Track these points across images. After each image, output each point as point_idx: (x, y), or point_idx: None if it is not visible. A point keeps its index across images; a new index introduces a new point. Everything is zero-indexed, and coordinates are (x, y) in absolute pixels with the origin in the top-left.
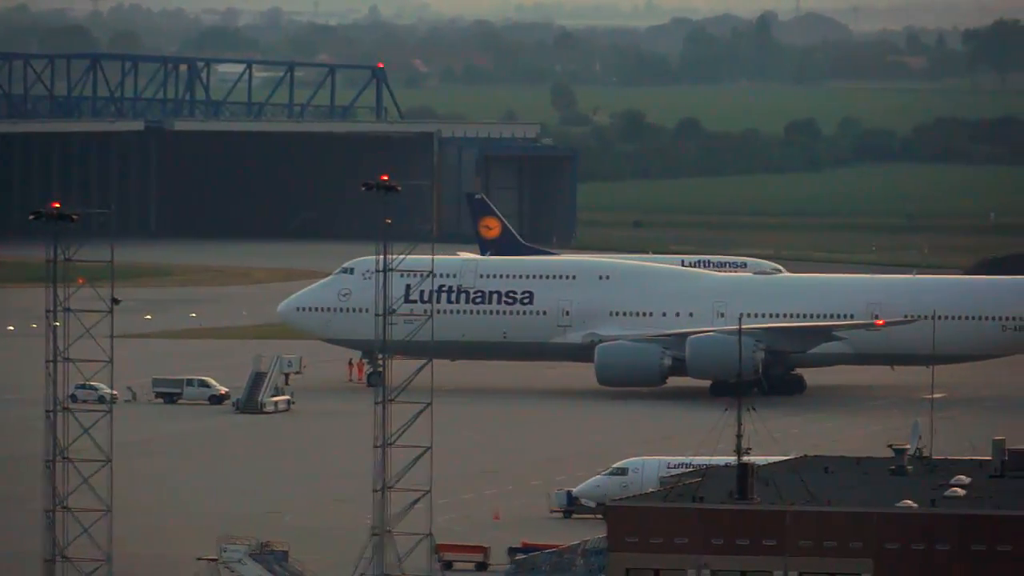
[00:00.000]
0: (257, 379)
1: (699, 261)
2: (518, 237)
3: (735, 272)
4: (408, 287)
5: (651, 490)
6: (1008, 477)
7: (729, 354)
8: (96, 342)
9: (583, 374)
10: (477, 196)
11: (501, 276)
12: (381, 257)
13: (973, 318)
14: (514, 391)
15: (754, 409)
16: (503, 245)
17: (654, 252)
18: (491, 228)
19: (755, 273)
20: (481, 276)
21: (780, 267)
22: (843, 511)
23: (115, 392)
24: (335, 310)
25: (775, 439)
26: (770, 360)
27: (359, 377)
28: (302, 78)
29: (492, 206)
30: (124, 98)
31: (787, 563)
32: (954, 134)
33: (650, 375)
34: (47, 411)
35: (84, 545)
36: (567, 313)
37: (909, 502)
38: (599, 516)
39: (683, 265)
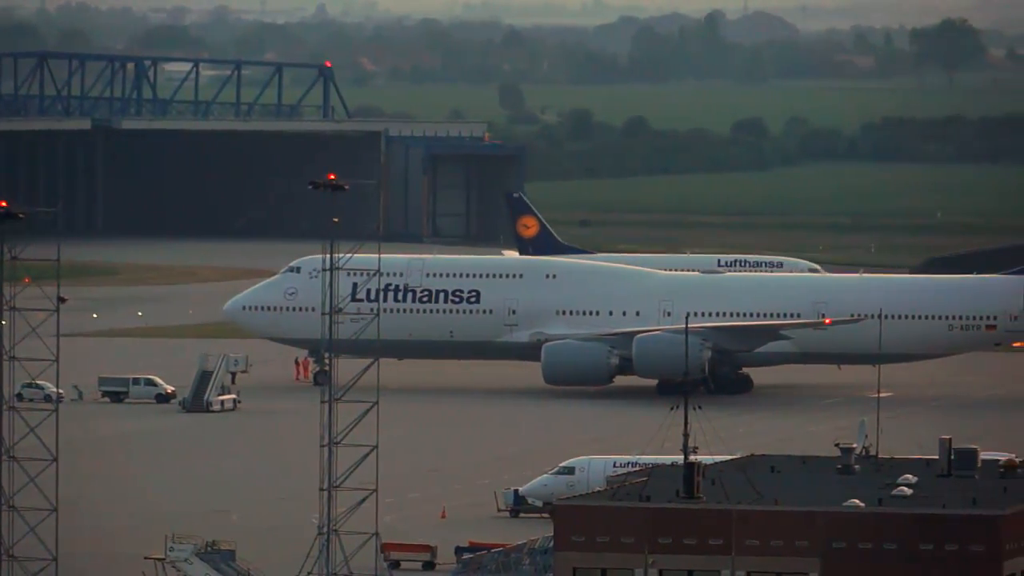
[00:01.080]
0: (203, 378)
1: (735, 260)
2: (555, 236)
3: (772, 272)
4: (355, 286)
5: (598, 489)
6: (955, 476)
7: (676, 353)
8: (42, 341)
9: (530, 373)
10: (515, 195)
11: (448, 275)
12: (328, 256)
13: (920, 317)
14: (461, 390)
15: (701, 408)
16: (541, 244)
17: (691, 252)
18: (529, 227)
19: (791, 272)
20: (428, 275)
21: (817, 267)
22: (790, 510)
23: (61, 391)
24: (282, 309)
25: (722, 438)
26: (717, 359)
27: (305, 376)
28: (249, 77)
29: (530, 205)
30: (71, 96)
31: (734, 562)
32: (901, 133)
33: (597, 374)
34: None
35: (31, 544)
36: (514, 312)
37: (856, 501)
38: (546, 515)
39: (719, 265)
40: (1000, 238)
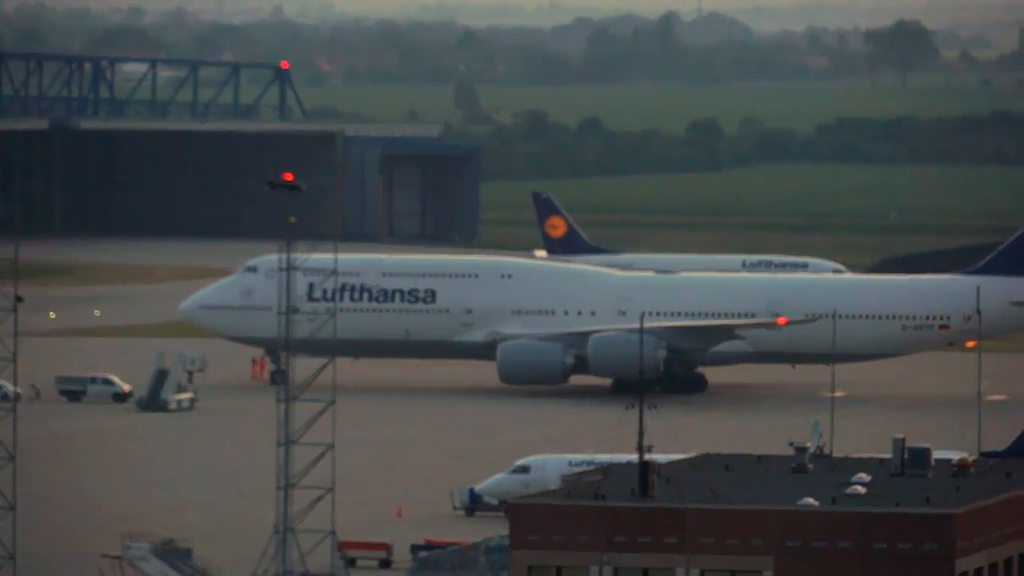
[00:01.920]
0: (160, 377)
1: (760, 262)
2: (582, 236)
3: (792, 273)
4: (311, 285)
5: (553, 488)
6: (908, 475)
7: (631, 353)
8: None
9: (486, 372)
10: (544, 195)
11: (404, 275)
12: (285, 256)
13: (874, 317)
14: (417, 389)
15: (656, 407)
16: (568, 243)
17: (714, 252)
18: (556, 227)
19: (810, 274)
20: (384, 275)
21: (841, 267)
22: (744, 509)
23: (19, 390)
24: (239, 308)
25: (676, 437)
26: (672, 359)
27: (262, 375)
28: (206, 77)
29: (558, 205)
30: (29, 96)
31: (689, 561)
32: (855, 134)
33: (552, 373)
34: None
35: None
36: (469, 311)
37: (810, 500)
38: (501, 514)
39: (743, 266)
40: (953, 238)
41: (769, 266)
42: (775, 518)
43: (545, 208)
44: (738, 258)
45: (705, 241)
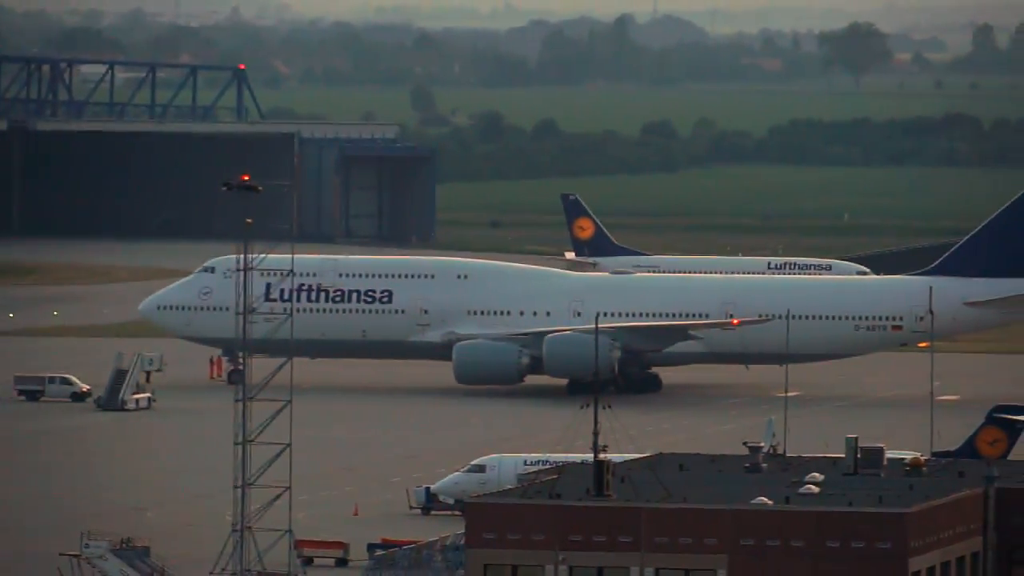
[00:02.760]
0: (118, 376)
1: (786, 264)
2: (610, 237)
3: (810, 274)
4: (268, 286)
5: (509, 487)
6: (861, 474)
7: (586, 353)
8: None
9: (442, 372)
10: (571, 197)
11: (360, 275)
12: (242, 256)
13: (827, 318)
14: (373, 389)
15: (610, 407)
16: (596, 245)
17: (741, 254)
18: (584, 228)
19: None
20: (341, 275)
21: (867, 269)
22: (698, 508)
23: None
24: (196, 308)
25: (631, 437)
26: (626, 359)
27: (220, 375)
28: (164, 79)
29: (586, 207)
30: None
31: (643, 559)
32: (809, 136)
33: (508, 373)
34: None
35: None
36: (426, 312)
37: (764, 499)
38: (457, 513)
39: (769, 268)
40: (906, 239)
41: (794, 268)
42: (729, 517)
43: (573, 210)
44: (764, 260)
45: (660, 242)
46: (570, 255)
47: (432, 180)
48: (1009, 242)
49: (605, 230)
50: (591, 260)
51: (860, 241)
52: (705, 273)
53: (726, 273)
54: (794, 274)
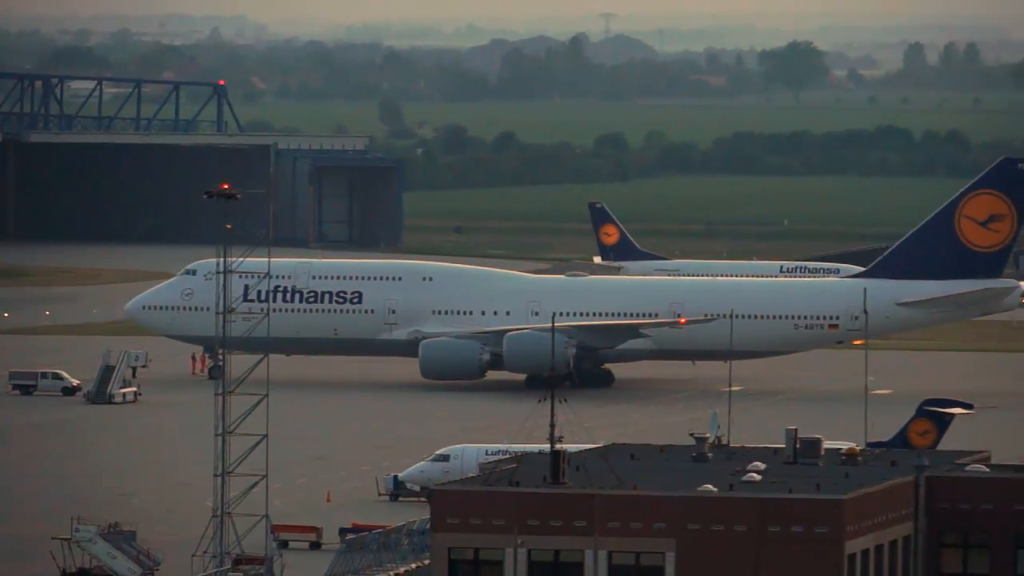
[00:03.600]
0: (106, 372)
1: (796, 267)
2: (634, 243)
3: (818, 276)
4: (246, 287)
5: (471, 475)
6: (800, 463)
7: (543, 350)
8: None
9: (408, 368)
10: (598, 205)
11: (332, 277)
12: (222, 260)
13: (768, 317)
14: (344, 384)
15: (566, 401)
16: (621, 250)
17: (757, 258)
18: (610, 235)
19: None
20: (314, 277)
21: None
22: (648, 495)
23: None
24: (179, 308)
25: (585, 428)
26: (581, 355)
27: (202, 370)
28: (149, 94)
29: (611, 214)
30: None
31: (596, 543)
32: (751, 147)
33: (470, 369)
34: None
35: None
36: (393, 312)
37: (709, 486)
38: (423, 499)
39: (780, 272)
40: (842, 244)
41: (804, 271)
42: (677, 503)
43: (599, 217)
44: (776, 264)
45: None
46: (597, 260)
47: (399, 189)
48: (938, 246)
49: (629, 236)
50: (616, 264)
51: (799, 246)
52: (721, 276)
53: (738, 276)
54: (803, 276)
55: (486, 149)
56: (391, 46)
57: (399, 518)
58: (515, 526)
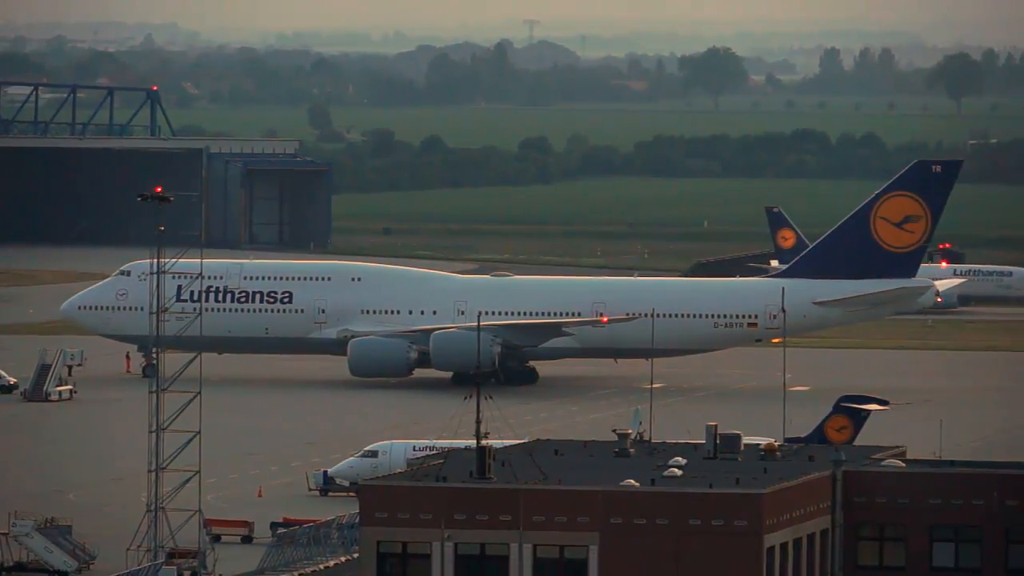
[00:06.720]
0: (43, 371)
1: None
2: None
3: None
4: (180, 288)
5: (399, 471)
6: (720, 458)
7: (469, 348)
8: None
9: (337, 366)
10: (775, 209)
11: (263, 278)
12: (155, 260)
13: (688, 316)
14: (275, 381)
15: (491, 398)
16: (797, 254)
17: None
18: (787, 239)
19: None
20: (245, 278)
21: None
22: (572, 489)
23: None
24: (113, 308)
25: (511, 425)
26: (506, 353)
27: (127, 370)
28: (84, 99)
29: (788, 219)
30: None
31: (522, 536)
32: (671, 150)
33: (398, 367)
34: None
35: None
36: (323, 311)
37: (631, 481)
38: (352, 494)
39: (955, 275)
40: (760, 245)
41: (978, 275)
42: (600, 497)
43: (776, 221)
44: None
45: (536, 248)
46: (774, 263)
47: (329, 191)
48: (853, 247)
49: (806, 240)
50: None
51: (718, 246)
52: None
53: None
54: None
55: (413, 153)
56: (320, 52)
57: (329, 513)
58: (442, 520)
